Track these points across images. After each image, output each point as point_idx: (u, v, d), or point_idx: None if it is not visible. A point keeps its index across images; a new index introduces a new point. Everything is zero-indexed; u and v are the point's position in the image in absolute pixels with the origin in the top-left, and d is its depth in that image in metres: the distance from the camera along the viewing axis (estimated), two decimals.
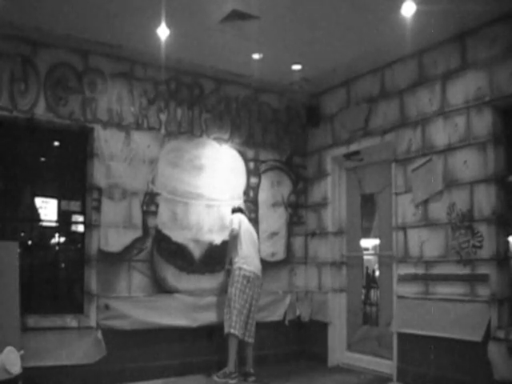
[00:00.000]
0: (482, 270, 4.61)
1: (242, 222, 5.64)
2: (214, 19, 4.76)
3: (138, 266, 5.46)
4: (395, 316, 5.41)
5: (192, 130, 5.98)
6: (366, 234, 6.54)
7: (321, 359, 6.32)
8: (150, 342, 5.40)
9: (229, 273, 5.60)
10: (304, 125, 6.88)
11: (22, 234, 5.36)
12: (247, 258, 5.44)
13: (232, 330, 5.23)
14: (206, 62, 5.81)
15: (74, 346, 5.00)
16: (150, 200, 5.61)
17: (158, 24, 4.66)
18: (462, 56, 4.95)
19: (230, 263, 5.59)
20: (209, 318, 5.73)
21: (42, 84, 5.08)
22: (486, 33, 4.73)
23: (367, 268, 6.93)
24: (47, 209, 5.40)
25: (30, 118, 5.04)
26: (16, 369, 4.01)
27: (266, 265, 6.31)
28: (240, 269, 5.38)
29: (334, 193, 6.51)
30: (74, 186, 5.52)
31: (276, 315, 6.34)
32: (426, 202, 5.20)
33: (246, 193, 6.33)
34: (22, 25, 4.84)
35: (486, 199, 4.65)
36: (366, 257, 6.54)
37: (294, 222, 6.73)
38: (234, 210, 5.89)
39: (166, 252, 5.64)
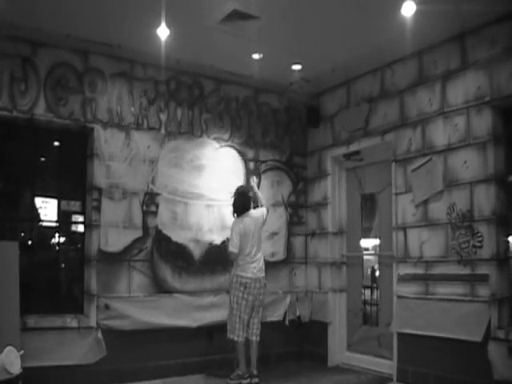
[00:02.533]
0: (482, 270, 4.61)
1: (244, 228, 5.28)
2: (213, 19, 4.76)
3: (138, 265, 5.46)
4: (395, 316, 5.41)
5: (192, 130, 5.98)
6: (366, 233, 6.53)
7: (321, 359, 6.32)
8: (150, 341, 5.40)
9: None
10: (304, 125, 6.87)
11: (22, 234, 5.36)
12: (244, 266, 5.28)
13: (232, 336, 5.23)
14: (206, 61, 5.81)
15: (74, 346, 5.00)
16: (150, 200, 5.62)
17: (157, 24, 4.67)
18: (462, 56, 4.95)
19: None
20: (209, 317, 5.72)
21: (41, 84, 5.07)
22: (486, 33, 4.72)
23: (371, 268, 6.91)
24: (47, 209, 5.39)
25: (30, 118, 5.04)
26: (16, 369, 3.99)
27: (266, 265, 6.30)
28: (237, 276, 5.27)
29: (333, 193, 6.51)
30: (74, 185, 5.53)
31: (276, 315, 6.33)
32: (425, 202, 5.20)
33: None
34: (21, 25, 4.83)
35: (485, 199, 4.65)
36: (366, 257, 6.53)
37: (294, 221, 6.73)
38: (237, 209, 5.44)
39: (165, 252, 5.64)
